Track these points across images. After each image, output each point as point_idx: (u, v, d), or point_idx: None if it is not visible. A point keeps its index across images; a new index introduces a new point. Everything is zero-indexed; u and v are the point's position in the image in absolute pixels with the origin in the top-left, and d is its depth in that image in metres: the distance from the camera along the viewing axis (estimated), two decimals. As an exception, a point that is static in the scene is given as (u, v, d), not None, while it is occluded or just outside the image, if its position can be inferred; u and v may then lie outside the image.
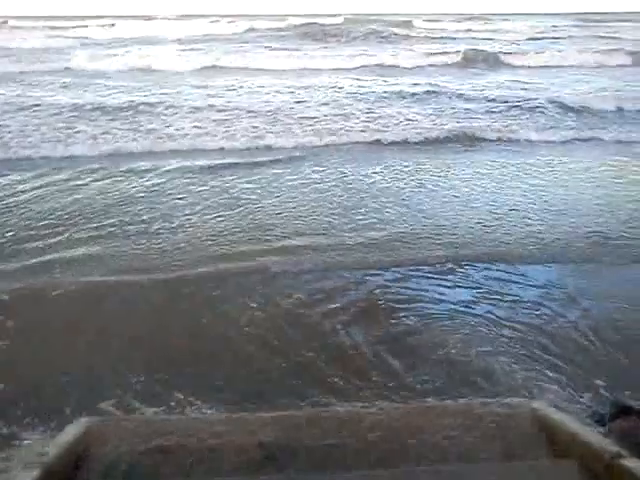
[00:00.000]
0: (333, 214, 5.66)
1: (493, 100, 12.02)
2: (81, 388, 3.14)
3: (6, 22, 38.97)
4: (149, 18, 44.81)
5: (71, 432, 2.24)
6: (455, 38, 29.36)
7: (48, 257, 4.68)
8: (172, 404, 2.99)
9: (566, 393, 3.06)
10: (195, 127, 9.53)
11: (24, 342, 3.56)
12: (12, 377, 3.21)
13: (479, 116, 10.63)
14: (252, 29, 34.40)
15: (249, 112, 10.63)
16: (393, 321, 3.79)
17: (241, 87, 13.61)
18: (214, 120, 9.99)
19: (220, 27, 35.78)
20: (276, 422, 2.34)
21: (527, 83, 14.56)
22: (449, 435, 2.17)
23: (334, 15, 48.64)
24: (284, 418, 2.40)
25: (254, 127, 9.54)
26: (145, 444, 2.21)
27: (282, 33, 31.67)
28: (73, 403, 2.98)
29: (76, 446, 2.15)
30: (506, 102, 11.68)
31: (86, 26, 34.38)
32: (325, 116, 10.34)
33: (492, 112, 10.97)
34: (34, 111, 10.41)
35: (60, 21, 43.47)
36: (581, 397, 3.02)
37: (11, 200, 6.09)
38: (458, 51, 21.05)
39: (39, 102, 11.18)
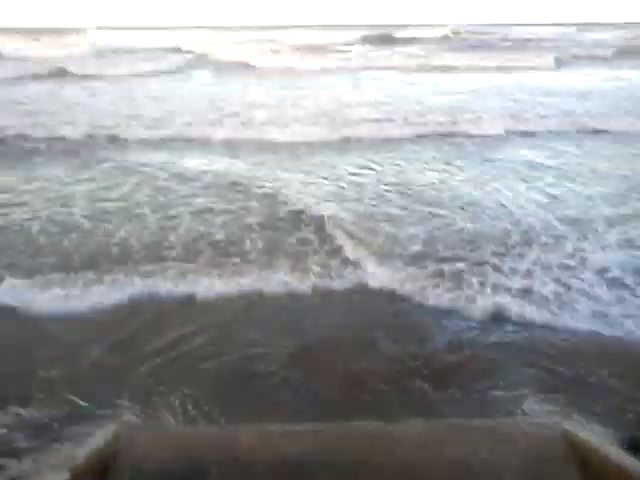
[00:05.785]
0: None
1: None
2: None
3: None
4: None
5: (100, 437, 2.27)
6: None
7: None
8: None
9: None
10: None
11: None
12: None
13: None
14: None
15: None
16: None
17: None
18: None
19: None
20: (305, 437, 2.33)
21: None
22: (476, 452, 2.12)
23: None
24: (313, 433, 2.38)
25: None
26: (173, 454, 2.22)
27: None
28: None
29: (104, 452, 2.16)
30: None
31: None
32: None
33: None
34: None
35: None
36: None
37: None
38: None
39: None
